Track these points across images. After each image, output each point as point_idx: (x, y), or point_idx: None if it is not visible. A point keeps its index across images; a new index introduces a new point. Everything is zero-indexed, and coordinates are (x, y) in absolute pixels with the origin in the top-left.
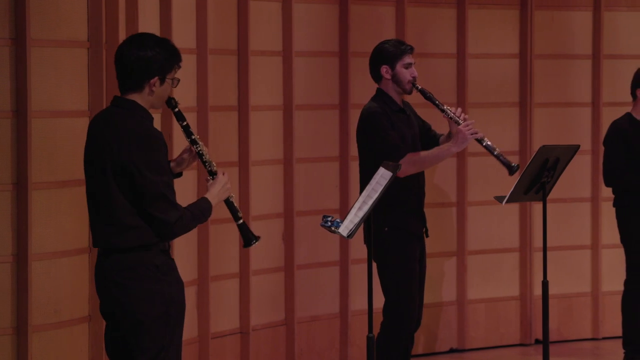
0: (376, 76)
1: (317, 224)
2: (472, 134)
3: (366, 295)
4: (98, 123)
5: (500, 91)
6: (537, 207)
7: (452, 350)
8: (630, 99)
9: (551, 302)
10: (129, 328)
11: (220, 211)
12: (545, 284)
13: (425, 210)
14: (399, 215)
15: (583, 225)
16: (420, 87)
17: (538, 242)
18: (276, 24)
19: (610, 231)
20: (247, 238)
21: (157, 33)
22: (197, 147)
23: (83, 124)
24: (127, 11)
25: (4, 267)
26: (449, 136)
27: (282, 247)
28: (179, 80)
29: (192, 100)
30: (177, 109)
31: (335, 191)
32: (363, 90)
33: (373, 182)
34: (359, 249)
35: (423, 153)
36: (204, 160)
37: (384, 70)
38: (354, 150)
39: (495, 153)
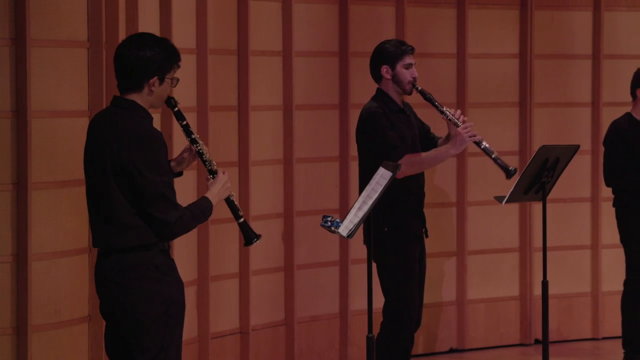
0: (376, 76)
1: (317, 224)
2: (470, 137)
3: (366, 296)
4: (98, 123)
5: (500, 91)
6: (537, 207)
7: (451, 350)
8: (630, 99)
9: (551, 302)
10: (129, 328)
11: (220, 211)
12: (545, 284)
13: (425, 210)
14: (399, 216)
15: (583, 225)
16: (420, 88)
17: (538, 242)
18: (276, 24)
19: (610, 231)
20: (248, 237)
21: (157, 33)
22: (197, 146)
23: (83, 124)
24: (127, 11)
25: (3, 267)
26: (448, 138)
27: (282, 247)
28: (178, 80)
29: (192, 100)
30: (176, 108)
31: (335, 191)
32: (363, 90)
33: (373, 182)
34: (358, 249)
35: (421, 154)
36: (204, 159)
37: (384, 70)
38: (354, 150)
39: (493, 156)
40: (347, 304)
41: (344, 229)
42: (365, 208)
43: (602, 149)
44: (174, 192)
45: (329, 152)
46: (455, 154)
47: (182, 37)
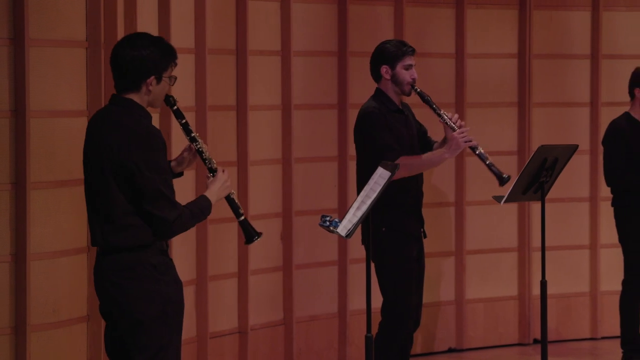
0: (376, 76)
1: (316, 223)
2: (466, 142)
3: (364, 295)
4: (97, 122)
5: (499, 91)
6: (536, 206)
7: (450, 350)
8: (628, 98)
9: (550, 301)
10: (127, 328)
11: (218, 210)
12: (543, 284)
13: (424, 210)
14: (397, 216)
15: (581, 225)
16: (419, 89)
17: (536, 242)
18: (275, 24)
19: (609, 231)
20: (249, 234)
21: (156, 33)
22: (196, 145)
23: (81, 123)
24: (126, 11)
25: (2, 266)
26: (444, 142)
27: (281, 246)
28: (176, 78)
29: (190, 100)
30: (175, 107)
31: (333, 191)
32: (361, 89)
33: (371, 182)
34: (357, 249)
35: (416, 157)
36: (204, 157)
37: (384, 70)
38: (352, 149)
39: (487, 162)
40: (345, 304)
41: (342, 228)
42: (364, 208)
43: (600, 148)
44: (173, 191)
45: (328, 151)
46: (449, 158)
47: (181, 36)
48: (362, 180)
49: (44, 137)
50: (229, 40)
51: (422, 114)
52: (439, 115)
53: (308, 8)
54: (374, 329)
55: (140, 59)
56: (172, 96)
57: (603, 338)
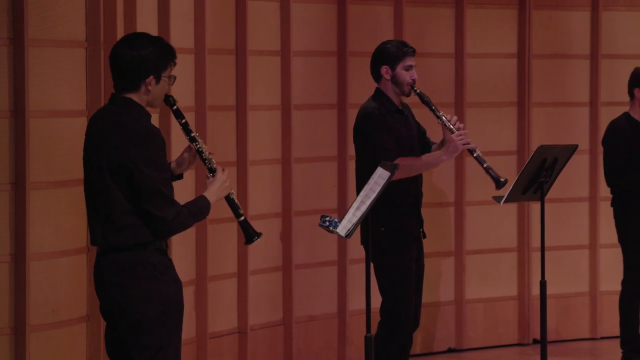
0: (376, 76)
1: (315, 223)
2: (464, 144)
3: (364, 295)
4: (96, 122)
5: (498, 91)
6: (535, 206)
7: (450, 350)
8: (627, 98)
9: (549, 301)
10: (127, 328)
11: (218, 210)
12: (543, 284)
13: (424, 210)
14: (396, 216)
15: (581, 225)
16: (418, 90)
17: (536, 242)
18: (274, 24)
19: (608, 231)
20: (249, 235)
21: (155, 33)
22: (196, 145)
23: (81, 123)
24: (125, 11)
25: (2, 266)
26: (442, 144)
27: (280, 246)
28: (175, 78)
29: (190, 100)
30: (175, 107)
31: (333, 191)
32: (361, 89)
33: (371, 182)
34: (356, 249)
35: (413, 159)
36: (203, 157)
37: (384, 70)
38: (352, 149)
39: (485, 166)
40: (345, 304)
41: (342, 228)
42: (364, 208)
43: (600, 148)
44: (171, 189)
45: (327, 151)
46: (447, 160)
47: (180, 36)
48: (362, 180)
49: (44, 137)
50: (228, 40)
51: (421, 115)
52: (438, 117)
53: (307, 8)
54: (374, 329)
55: (139, 58)
56: (171, 96)
57: (602, 338)
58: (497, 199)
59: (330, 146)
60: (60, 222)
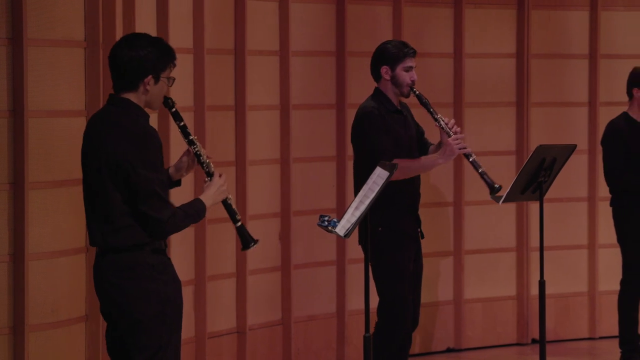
0: (376, 75)
1: (314, 223)
2: (460, 149)
3: (363, 295)
4: (95, 123)
5: (497, 91)
6: (534, 206)
7: (449, 350)
8: (626, 98)
9: (548, 301)
10: (127, 328)
11: (217, 211)
12: (542, 284)
13: (422, 209)
14: (394, 216)
15: (580, 224)
16: (417, 92)
17: (535, 242)
18: (273, 24)
19: (607, 231)
20: (245, 241)
21: (154, 33)
22: (194, 148)
23: (80, 123)
24: (124, 11)
25: (0, 266)
26: (439, 146)
27: (279, 246)
28: (174, 80)
29: (189, 100)
30: (174, 109)
31: (332, 191)
32: (360, 89)
33: (370, 181)
34: (355, 249)
35: (409, 161)
36: (201, 161)
37: (384, 70)
38: (350, 149)
39: (480, 171)
40: (344, 304)
41: (341, 228)
42: (362, 208)
43: (599, 148)
44: (167, 191)
45: (326, 151)
46: (442, 163)
47: (179, 36)
48: (360, 180)
49: (43, 137)
50: (227, 40)
51: (420, 115)
52: (436, 119)
53: (306, 8)
54: (373, 329)
55: (138, 58)
56: (170, 98)
57: (601, 338)
58: (496, 198)
59: (329, 146)
60: (59, 222)
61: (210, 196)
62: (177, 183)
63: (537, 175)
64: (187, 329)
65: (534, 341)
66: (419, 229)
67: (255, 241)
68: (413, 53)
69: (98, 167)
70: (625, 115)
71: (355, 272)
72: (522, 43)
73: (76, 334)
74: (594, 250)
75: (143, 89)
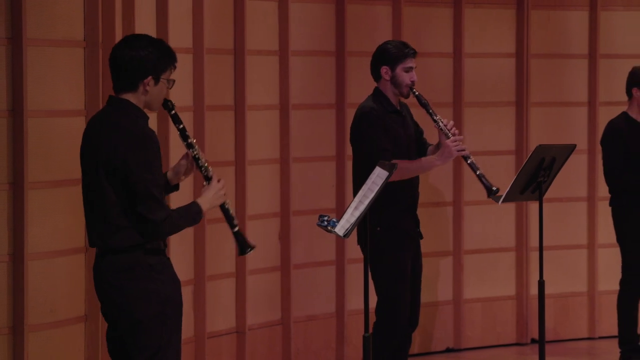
0: (375, 75)
1: (314, 223)
2: (458, 150)
3: (362, 295)
4: (94, 124)
5: (497, 90)
6: (534, 206)
7: (448, 350)
8: (626, 98)
9: (547, 301)
10: (127, 328)
11: (216, 211)
12: (541, 284)
13: (422, 209)
14: (392, 215)
15: (579, 224)
16: (417, 92)
17: (534, 242)
18: (272, 24)
19: (607, 231)
20: (242, 246)
21: (154, 32)
22: (193, 151)
23: (79, 123)
24: (124, 11)
25: (0, 266)
26: (438, 147)
27: (279, 246)
28: (174, 82)
29: (188, 100)
30: (173, 112)
31: (331, 191)
32: (359, 89)
33: (369, 181)
34: (355, 249)
35: (406, 162)
36: (200, 164)
37: (384, 70)
38: (350, 149)
39: (478, 173)
40: (343, 304)
41: (340, 228)
42: (362, 208)
43: (598, 148)
44: (163, 192)
45: (326, 151)
46: (440, 165)
47: (179, 36)
48: (359, 180)
49: (42, 137)
50: (226, 40)
51: (420, 115)
52: (435, 120)
53: (306, 8)
54: (371, 329)
55: (138, 59)
56: (170, 101)
57: (601, 338)
58: (496, 198)
59: (329, 146)
60: (58, 222)
61: (208, 200)
62: (176, 187)
63: (536, 175)
64: (187, 329)
65: (533, 341)
66: (417, 229)
67: (252, 247)
68: (413, 54)
69: (96, 167)
70: (624, 115)
71: (355, 272)
72: (521, 43)
73: (75, 333)
74: (594, 250)
75: (143, 89)
